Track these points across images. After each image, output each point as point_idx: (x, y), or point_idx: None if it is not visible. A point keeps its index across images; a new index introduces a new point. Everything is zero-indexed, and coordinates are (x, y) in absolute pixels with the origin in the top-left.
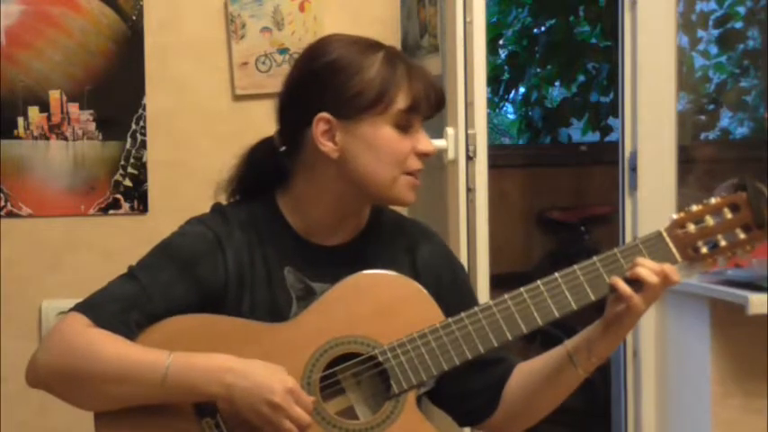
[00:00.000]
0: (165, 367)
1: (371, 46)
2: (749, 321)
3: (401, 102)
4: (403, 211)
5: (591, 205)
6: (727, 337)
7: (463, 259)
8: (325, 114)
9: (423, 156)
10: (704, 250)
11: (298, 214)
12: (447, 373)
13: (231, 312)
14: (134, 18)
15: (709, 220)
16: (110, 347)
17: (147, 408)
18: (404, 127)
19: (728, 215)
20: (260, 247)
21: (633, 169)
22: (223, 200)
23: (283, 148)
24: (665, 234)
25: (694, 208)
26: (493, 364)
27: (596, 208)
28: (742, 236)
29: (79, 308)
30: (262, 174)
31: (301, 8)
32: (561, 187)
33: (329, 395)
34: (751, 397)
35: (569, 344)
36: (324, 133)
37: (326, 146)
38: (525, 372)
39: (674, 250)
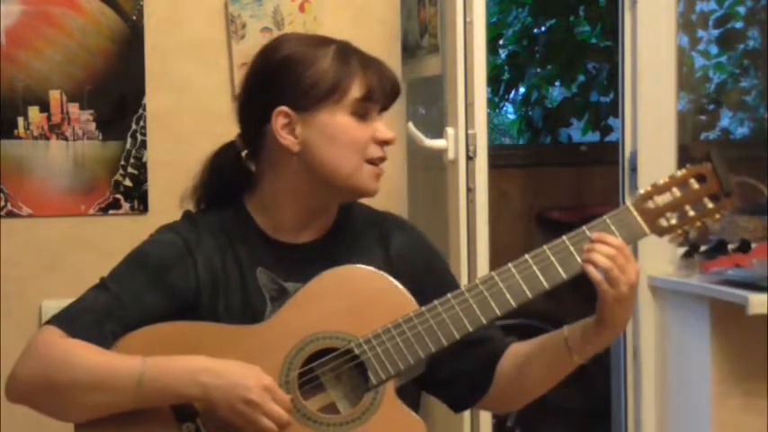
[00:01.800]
0: (139, 372)
1: (324, 41)
2: (749, 321)
3: (356, 90)
4: (404, 210)
5: (591, 205)
6: (727, 337)
7: (463, 259)
8: (283, 108)
9: (382, 143)
10: (673, 221)
11: (266, 215)
12: (435, 359)
13: (207, 317)
14: (134, 18)
15: (676, 192)
16: (84, 356)
17: (127, 416)
18: (361, 115)
19: (695, 186)
20: (231, 250)
21: (633, 169)
22: (190, 207)
23: (245, 152)
24: (632, 208)
25: (661, 181)
26: (480, 345)
27: (596, 208)
28: (710, 205)
29: (53, 320)
30: (226, 179)
31: (301, 8)
32: (561, 187)
33: (310, 392)
34: (751, 397)
35: (567, 330)
36: (283, 127)
37: (287, 139)
38: (520, 352)
39: (641, 223)
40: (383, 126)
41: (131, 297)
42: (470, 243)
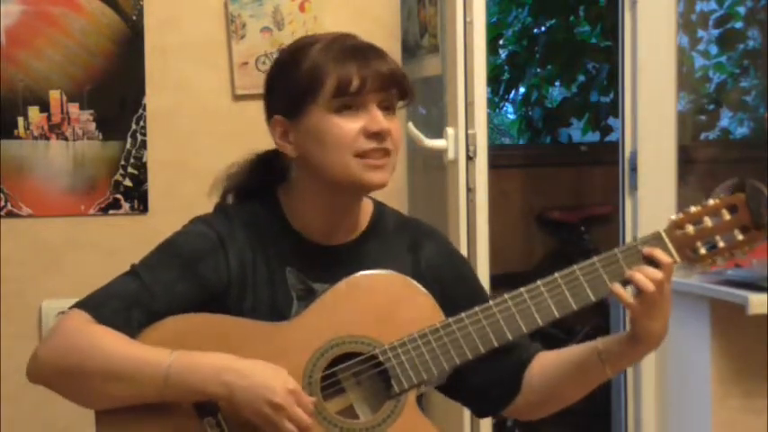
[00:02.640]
0: (166, 366)
1: (312, 40)
2: (749, 321)
3: (330, 86)
4: (404, 210)
5: (591, 205)
6: (727, 337)
7: None
8: (278, 117)
9: (373, 135)
10: (703, 251)
11: (296, 214)
12: (462, 367)
13: (233, 312)
14: (134, 18)
15: (708, 222)
16: (111, 345)
17: (148, 406)
18: (344, 110)
19: (727, 216)
20: (262, 247)
21: (633, 169)
22: (217, 197)
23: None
24: (664, 235)
25: (693, 209)
26: (507, 353)
27: (596, 208)
28: (740, 237)
29: (81, 305)
30: (267, 175)
31: (301, 8)
32: (561, 187)
33: (330, 395)
34: (751, 397)
35: (600, 344)
36: (281, 136)
37: (286, 147)
38: (549, 363)
39: (673, 251)
40: (375, 117)
41: (161, 287)
42: (470, 243)
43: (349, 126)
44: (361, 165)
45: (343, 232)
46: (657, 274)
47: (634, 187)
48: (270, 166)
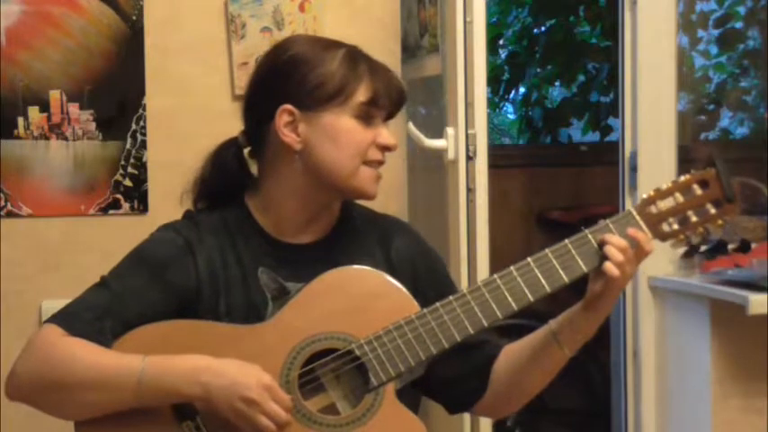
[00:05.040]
0: (139, 371)
1: (334, 43)
2: (749, 321)
3: (361, 94)
4: (404, 210)
5: (591, 205)
6: (728, 337)
7: (463, 259)
8: (287, 106)
9: (384, 149)
10: (675, 226)
11: (268, 214)
12: (432, 361)
13: (207, 316)
14: (134, 18)
15: (679, 197)
16: (84, 355)
17: (126, 414)
18: (365, 119)
19: (698, 191)
20: (233, 249)
21: (633, 169)
22: (189, 204)
23: (248, 149)
24: (634, 212)
25: (664, 186)
26: (475, 348)
27: (596, 208)
28: (713, 210)
29: (53, 319)
30: (228, 177)
31: (301, 8)
32: (561, 187)
33: (310, 392)
34: (751, 397)
35: (553, 323)
36: (287, 125)
37: (289, 137)
38: (511, 353)
39: (644, 227)
40: (387, 132)
41: (131, 295)
42: (470, 243)
43: (365, 135)
44: (368, 173)
45: (315, 230)
46: (623, 241)
47: (634, 187)
48: (229, 167)
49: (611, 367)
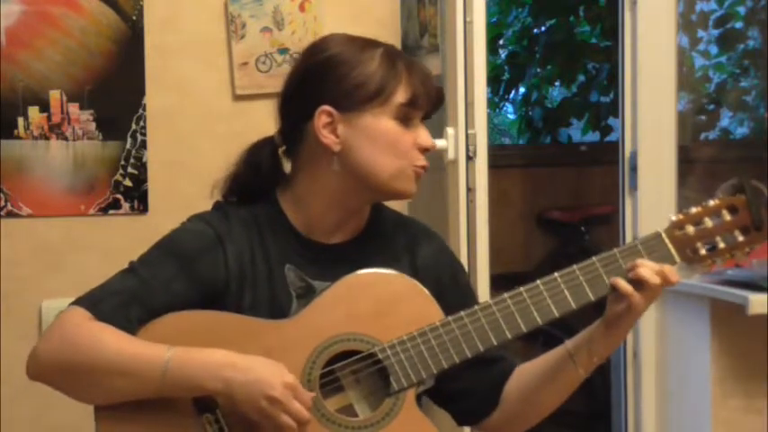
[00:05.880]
0: (164, 362)
1: (371, 43)
2: (749, 321)
3: (401, 95)
4: (404, 210)
5: (591, 205)
6: (728, 337)
7: (463, 259)
8: (326, 107)
9: (423, 150)
10: (703, 252)
11: (299, 212)
12: (446, 372)
13: (232, 309)
14: (134, 18)
15: (708, 222)
16: (110, 341)
17: (146, 402)
18: (404, 120)
19: (727, 217)
20: (261, 244)
21: (633, 169)
22: (219, 198)
23: (283, 148)
24: (664, 235)
25: (693, 210)
26: (492, 363)
27: (596, 208)
28: (740, 238)
29: (80, 302)
30: (261, 173)
31: (301, 8)
32: (561, 187)
33: (329, 392)
34: (751, 397)
35: (570, 344)
36: (326, 125)
37: (328, 138)
38: (525, 372)
39: (672, 251)
40: (425, 133)
41: (159, 283)
42: (470, 243)
43: (406, 136)
44: (411, 174)
45: (345, 231)
46: (658, 266)
47: (634, 187)
48: (263, 165)
49: (611, 368)
